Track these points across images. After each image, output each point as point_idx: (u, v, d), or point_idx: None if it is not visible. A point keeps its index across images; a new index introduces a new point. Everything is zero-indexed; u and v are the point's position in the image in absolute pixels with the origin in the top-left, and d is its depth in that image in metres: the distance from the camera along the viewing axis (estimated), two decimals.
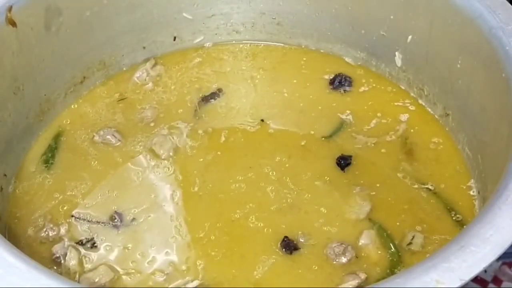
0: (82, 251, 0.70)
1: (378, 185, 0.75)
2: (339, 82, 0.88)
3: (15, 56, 0.77)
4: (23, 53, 0.78)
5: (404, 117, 0.83)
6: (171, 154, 0.79)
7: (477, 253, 0.50)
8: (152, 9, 0.90)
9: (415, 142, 0.80)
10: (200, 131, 0.83)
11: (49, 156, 0.80)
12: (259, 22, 0.96)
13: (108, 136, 0.81)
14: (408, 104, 0.86)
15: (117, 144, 0.81)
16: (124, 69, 0.92)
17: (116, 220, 0.72)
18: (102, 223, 0.72)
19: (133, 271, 0.68)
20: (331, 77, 0.89)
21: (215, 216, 0.72)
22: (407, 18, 0.83)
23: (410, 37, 0.84)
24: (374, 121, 0.83)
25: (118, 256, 0.69)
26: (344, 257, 0.67)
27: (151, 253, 0.69)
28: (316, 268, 0.67)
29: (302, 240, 0.69)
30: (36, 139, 0.83)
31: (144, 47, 0.93)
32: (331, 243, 0.68)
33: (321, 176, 0.76)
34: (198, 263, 0.68)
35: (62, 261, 0.68)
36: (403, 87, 0.88)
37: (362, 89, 0.88)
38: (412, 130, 0.82)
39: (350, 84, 0.88)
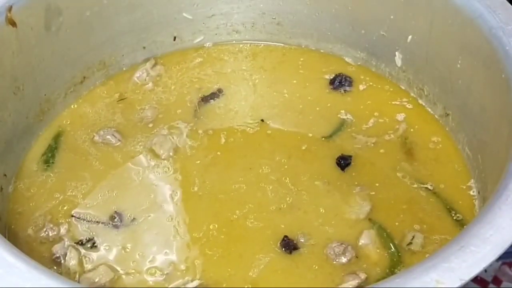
0: (82, 251, 0.70)
1: (378, 185, 0.75)
2: (339, 82, 0.88)
3: (15, 56, 0.77)
4: (23, 53, 0.78)
5: (404, 117, 0.83)
6: (171, 154, 0.79)
7: (477, 253, 0.50)
8: (152, 9, 0.90)
9: (415, 142, 0.80)
10: (200, 131, 0.83)
11: (49, 156, 0.80)
12: (259, 22, 0.96)
13: (108, 136, 0.81)
14: (408, 104, 0.86)
15: (117, 144, 0.81)
16: (124, 69, 0.92)
17: (116, 220, 0.72)
18: (102, 223, 0.72)
19: (133, 271, 0.68)
20: (331, 77, 0.89)
21: (214, 216, 0.72)
22: (407, 18, 0.83)
23: (410, 37, 0.84)
24: (374, 121, 0.83)
25: (118, 256, 0.69)
26: (344, 257, 0.67)
27: (151, 253, 0.69)
28: (316, 268, 0.67)
29: (302, 240, 0.69)
30: (36, 139, 0.83)
31: (144, 47, 0.93)
32: (331, 243, 0.68)
33: (321, 176, 0.76)
34: (197, 263, 0.68)
35: (62, 261, 0.68)
36: (403, 87, 0.88)
37: (362, 89, 0.88)
38: (412, 130, 0.82)
39: (350, 84, 0.88)
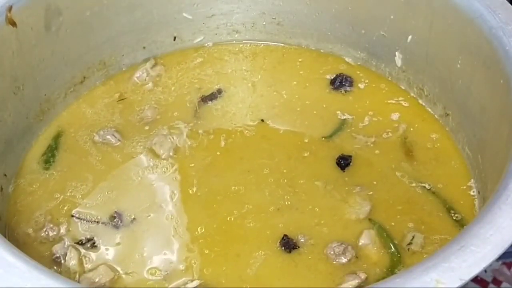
0: (82, 251, 0.70)
1: (378, 185, 0.75)
2: (340, 82, 0.88)
3: (15, 56, 0.77)
4: (23, 53, 0.78)
5: (404, 117, 0.83)
6: (171, 154, 0.79)
7: (477, 253, 0.50)
8: (152, 9, 0.90)
9: (415, 142, 0.80)
10: (200, 131, 0.83)
11: (49, 156, 0.80)
12: (259, 22, 0.96)
13: (108, 136, 0.81)
14: (408, 104, 0.86)
15: (117, 144, 0.81)
16: (124, 69, 0.92)
17: (116, 220, 0.72)
18: (102, 223, 0.72)
19: (132, 271, 0.68)
20: (332, 77, 0.89)
21: (213, 216, 0.72)
22: (407, 18, 0.83)
23: (410, 37, 0.84)
24: (374, 121, 0.83)
25: (118, 256, 0.69)
26: (344, 257, 0.67)
27: (151, 253, 0.69)
28: (316, 267, 0.67)
29: (302, 240, 0.69)
30: (36, 139, 0.83)
31: (144, 47, 0.93)
32: (331, 243, 0.68)
33: (321, 176, 0.76)
34: (197, 263, 0.68)
35: (62, 261, 0.69)
36: (403, 87, 0.88)
37: (362, 89, 0.88)
38: (411, 129, 0.82)
39: (351, 84, 0.88)
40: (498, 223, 0.52)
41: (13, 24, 0.75)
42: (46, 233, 0.71)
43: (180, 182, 0.77)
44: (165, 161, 0.79)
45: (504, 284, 0.84)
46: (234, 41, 0.97)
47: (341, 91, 0.88)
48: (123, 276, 0.67)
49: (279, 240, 0.69)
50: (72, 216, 0.73)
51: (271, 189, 0.75)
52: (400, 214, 0.72)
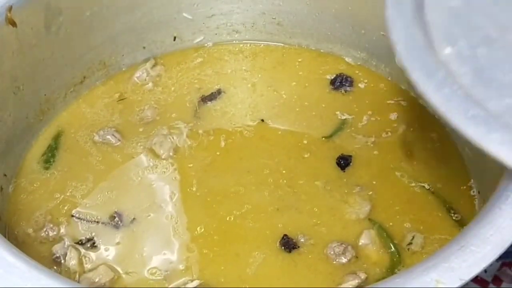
0: (82, 251, 0.70)
1: (378, 185, 0.75)
2: (340, 82, 0.88)
3: (15, 56, 0.77)
4: (23, 53, 0.78)
5: (403, 117, 0.83)
6: (171, 154, 0.79)
7: (477, 253, 0.50)
8: (152, 9, 0.90)
9: (415, 141, 0.80)
10: (200, 131, 0.83)
11: (49, 156, 0.80)
12: (259, 22, 0.96)
13: (108, 136, 0.81)
14: (408, 104, 0.86)
15: (117, 144, 0.81)
16: (124, 69, 0.92)
17: (116, 220, 0.72)
18: (102, 223, 0.72)
19: (132, 271, 0.68)
20: (332, 77, 0.89)
21: (212, 216, 0.72)
22: None
23: None
24: (373, 121, 0.83)
25: (118, 256, 0.69)
26: (344, 257, 0.67)
27: (151, 253, 0.69)
28: (316, 267, 0.67)
29: (302, 240, 0.69)
30: (36, 139, 0.83)
31: (144, 47, 0.93)
32: (331, 243, 0.68)
33: (321, 176, 0.76)
34: (196, 263, 0.68)
35: (62, 261, 0.69)
36: (403, 87, 0.88)
37: (363, 89, 0.88)
38: (411, 129, 0.82)
39: (351, 84, 0.88)
40: (498, 223, 0.52)
41: (13, 24, 0.75)
42: (46, 233, 0.71)
43: (180, 182, 0.77)
44: (165, 161, 0.79)
45: (504, 284, 0.84)
46: (234, 41, 0.97)
47: (341, 91, 0.88)
48: (123, 276, 0.67)
49: (278, 240, 0.69)
50: (72, 216, 0.73)
51: (271, 189, 0.75)
52: (400, 214, 0.72)
